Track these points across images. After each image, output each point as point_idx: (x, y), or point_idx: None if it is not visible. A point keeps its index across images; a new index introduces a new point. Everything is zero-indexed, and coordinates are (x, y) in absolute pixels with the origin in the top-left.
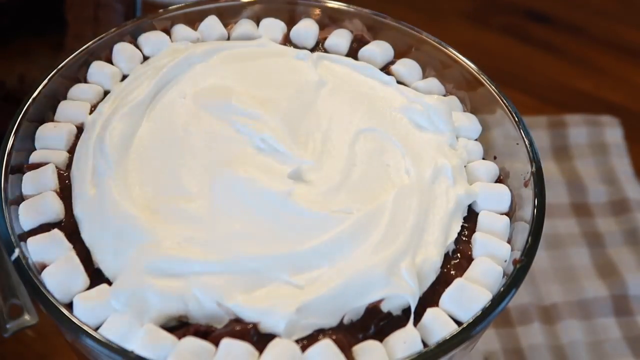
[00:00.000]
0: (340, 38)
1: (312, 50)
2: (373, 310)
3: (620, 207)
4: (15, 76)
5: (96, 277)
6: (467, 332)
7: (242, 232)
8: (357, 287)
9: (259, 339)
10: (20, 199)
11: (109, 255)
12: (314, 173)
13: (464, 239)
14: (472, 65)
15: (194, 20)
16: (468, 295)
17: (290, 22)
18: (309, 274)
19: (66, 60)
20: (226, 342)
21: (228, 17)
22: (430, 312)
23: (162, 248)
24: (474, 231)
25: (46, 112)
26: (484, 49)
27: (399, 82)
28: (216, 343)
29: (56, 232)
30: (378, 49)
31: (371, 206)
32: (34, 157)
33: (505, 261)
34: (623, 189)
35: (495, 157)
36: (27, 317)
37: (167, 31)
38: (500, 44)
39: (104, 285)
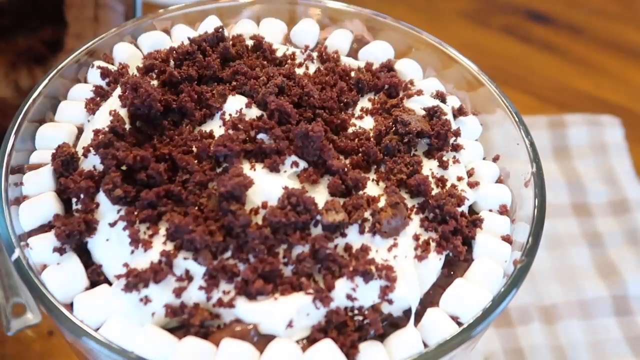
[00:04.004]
0: (340, 38)
1: (313, 50)
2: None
3: (621, 207)
4: (16, 76)
5: (96, 277)
6: (467, 333)
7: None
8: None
9: (260, 339)
10: (21, 199)
11: (109, 255)
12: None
13: None
14: (472, 65)
15: (194, 20)
16: (468, 296)
17: (291, 22)
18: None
19: (66, 61)
20: (227, 342)
21: (228, 17)
22: (430, 313)
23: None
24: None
25: (46, 112)
26: (484, 49)
27: None
28: (216, 343)
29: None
30: (378, 49)
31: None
32: (34, 158)
33: (506, 261)
34: (623, 189)
35: (495, 158)
36: (30, 315)
37: (167, 31)
38: (500, 44)
39: (104, 286)
